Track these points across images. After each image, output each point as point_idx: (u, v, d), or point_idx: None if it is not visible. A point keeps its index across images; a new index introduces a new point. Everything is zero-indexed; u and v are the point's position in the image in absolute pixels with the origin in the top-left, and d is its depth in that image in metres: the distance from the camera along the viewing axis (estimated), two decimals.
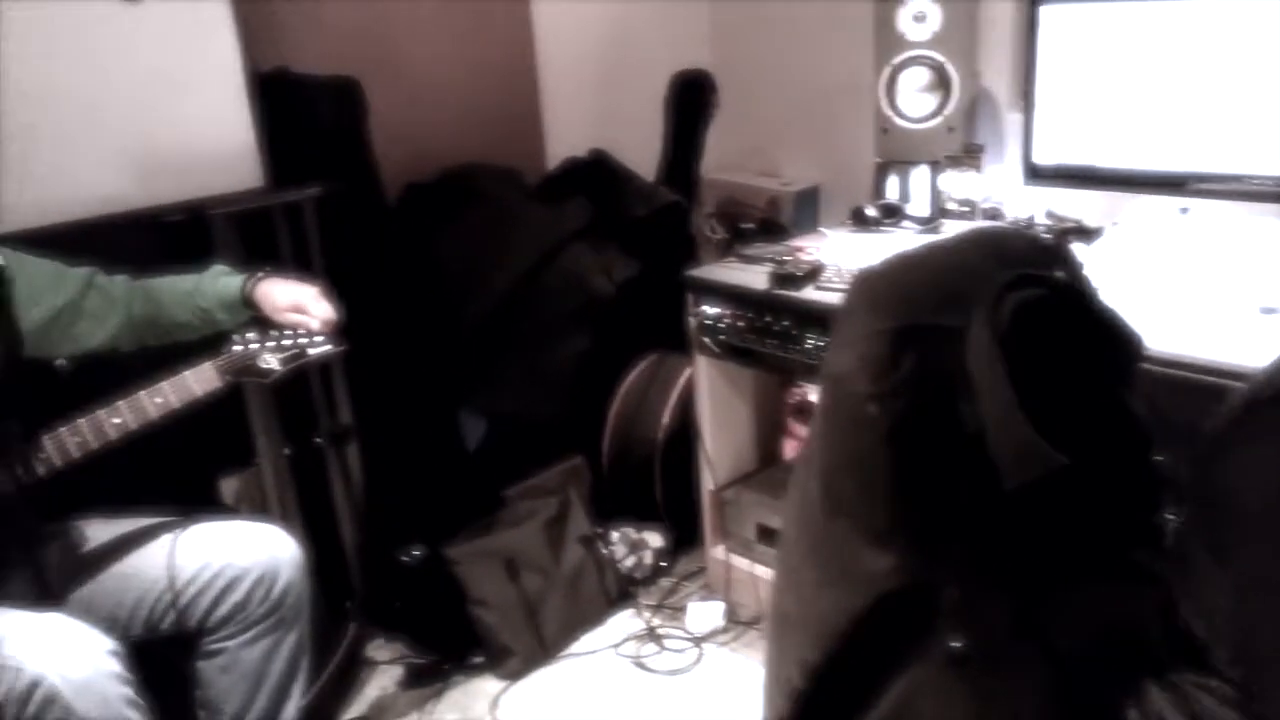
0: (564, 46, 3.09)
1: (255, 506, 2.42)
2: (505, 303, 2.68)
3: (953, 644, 1.02)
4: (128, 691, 1.52)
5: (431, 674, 2.38)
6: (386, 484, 2.52)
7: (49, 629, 1.51)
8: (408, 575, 2.42)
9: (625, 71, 3.19)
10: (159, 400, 1.66)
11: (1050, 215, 2.34)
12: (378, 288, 2.43)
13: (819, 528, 1.12)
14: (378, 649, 2.46)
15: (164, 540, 1.75)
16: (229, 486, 2.42)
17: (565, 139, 3.10)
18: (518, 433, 2.74)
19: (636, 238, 2.74)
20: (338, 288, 1.89)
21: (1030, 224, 2.33)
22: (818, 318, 2.10)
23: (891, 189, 2.53)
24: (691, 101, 3.06)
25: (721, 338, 2.30)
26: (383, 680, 2.38)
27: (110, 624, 1.63)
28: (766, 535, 2.44)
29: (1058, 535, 1.02)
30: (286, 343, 1.75)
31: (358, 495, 2.47)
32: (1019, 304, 0.99)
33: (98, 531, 1.79)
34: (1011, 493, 0.96)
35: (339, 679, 2.28)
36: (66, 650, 1.49)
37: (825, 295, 2.11)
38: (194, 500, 2.12)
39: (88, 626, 1.54)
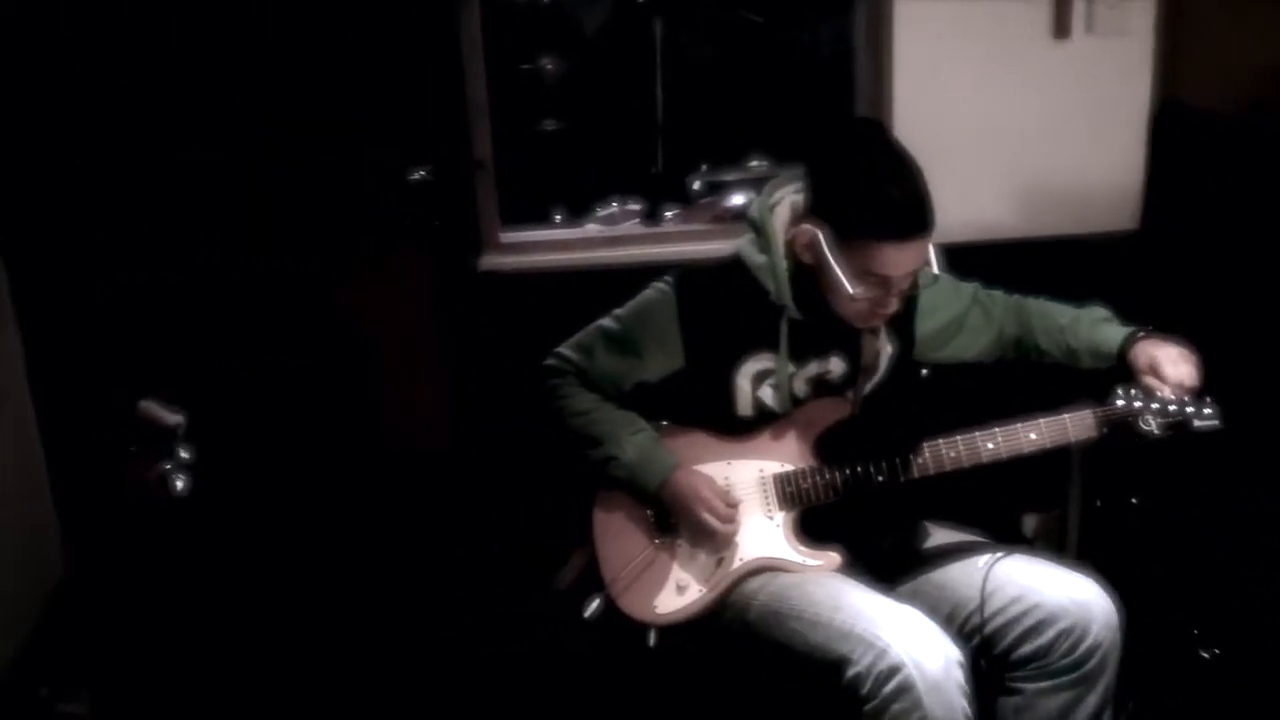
0: None
1: (1052, 547, 2.37)
2: None
3: None
4: (965, 704, 1.56)
5: None
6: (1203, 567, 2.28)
7: (912, 621, 1.60)
8: (1208, 673, 2.16)
9: None
10: (1033, 436, 1.68)
11: None
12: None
13: None
14: None
15: (982, 561, 1.76)
16: (1030, 521, 2.42)
17: None
18: None
19: None
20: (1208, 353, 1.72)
21: None
22: None
23: None
24: None
25: None
26: None
27: None
28: None
29: None
30: (1173, 408, 1.65)
31: (1164, 569, 2.28)
32: None
33: (925, 533, 1.89)
34: None
35: None
36: (926, 647, 1.56)
37: None
38: (998, 525, 2.14)
39: (942, 631, 1.60)
